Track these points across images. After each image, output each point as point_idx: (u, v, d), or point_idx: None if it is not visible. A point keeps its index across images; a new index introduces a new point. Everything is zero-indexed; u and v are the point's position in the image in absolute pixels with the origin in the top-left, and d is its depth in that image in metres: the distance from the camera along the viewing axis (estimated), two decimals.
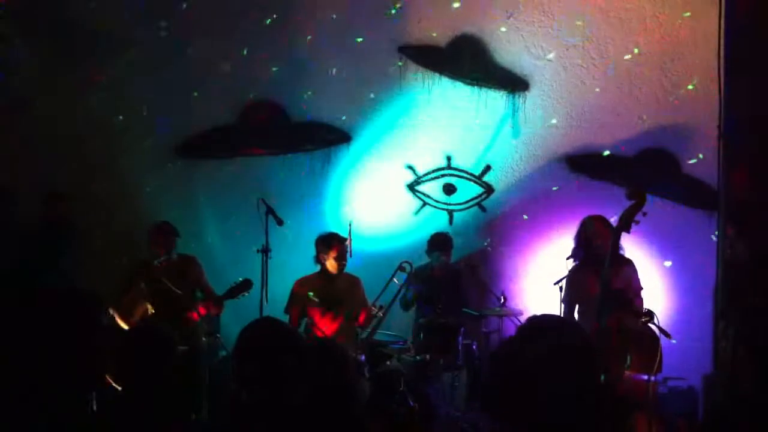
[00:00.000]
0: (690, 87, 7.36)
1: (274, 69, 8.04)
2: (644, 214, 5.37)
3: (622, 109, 7.61)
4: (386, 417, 5.65)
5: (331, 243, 6.77)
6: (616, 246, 5.51)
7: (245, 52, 8.03)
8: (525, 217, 7.84)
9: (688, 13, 7.36)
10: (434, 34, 7.92)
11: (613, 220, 6.13)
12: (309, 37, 7.99)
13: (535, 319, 2.71)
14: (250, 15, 8.03)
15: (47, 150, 8.01)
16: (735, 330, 2.78)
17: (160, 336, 3.36)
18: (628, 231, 5.44)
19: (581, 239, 6.11)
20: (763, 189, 4.70)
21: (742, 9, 4.78)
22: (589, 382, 2.36)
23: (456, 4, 7.82)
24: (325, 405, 2.98)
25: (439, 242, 7.41)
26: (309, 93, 8.06)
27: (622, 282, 5.78)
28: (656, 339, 5.22)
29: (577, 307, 6.10)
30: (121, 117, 8.09)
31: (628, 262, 5.97)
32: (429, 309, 7.10)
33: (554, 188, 7.76)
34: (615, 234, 5.49)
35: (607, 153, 7.64)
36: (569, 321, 2.66)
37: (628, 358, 5.24)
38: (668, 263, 7.30)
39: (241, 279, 6.51)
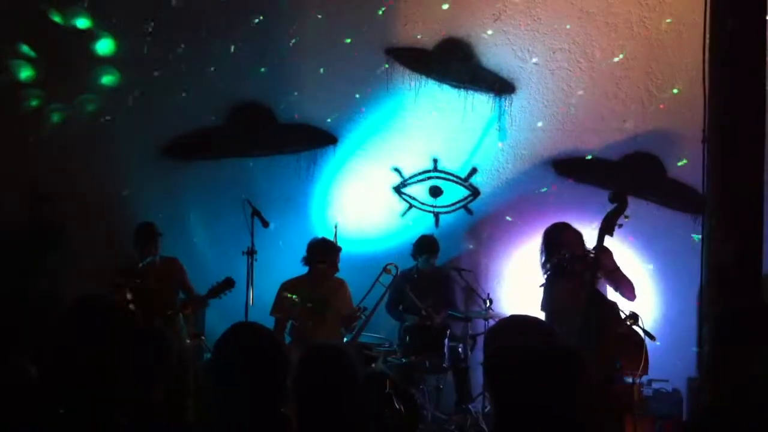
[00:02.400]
0: (675, 91, 7.40)
1: (260, 70, 8.02)
2: (626, 217, 5.36)
3: (607, 113, 7.64)
4: (372, 420, 5.63)
5: (336, 255, 6.84)
6: (600, 249, 5.50)
7: (231, 53, 8.01)
8: (508, 218, 7.86)
9: (670, 20, 7.40)
10: (421, 37, 7.92)
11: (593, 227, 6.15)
12: (295, 39, 7.98)
13: (501, 322, 2.71)
14: (237, 16, 8.01)
15: (32, 151, 7.96)
16: (712, 331, 2.79)
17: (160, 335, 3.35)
18: (611, 234, 5.44)
19: (553, 248, 6.02)
20: (747, 192, 4.73)
21: (727, 14, 4.81)
22: (560, 384, 2.34)
23: (444, 6, 7.83)
24: (317, 411, 2.94)
25: (427, 245, 7.41)
26: (295, 94, 8.06)
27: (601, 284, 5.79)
28: (641, 341, 5.23)
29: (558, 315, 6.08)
30: (107, 117, 8.04)
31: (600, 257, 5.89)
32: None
33: (543, 189, 7.77)
34: (599, 237, 5.48)
35: (589, 156, 7.67)
36: (536, 322, 2.65)
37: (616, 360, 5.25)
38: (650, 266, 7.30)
39: (223, 278, 6.51)
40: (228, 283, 6.48)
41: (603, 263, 5.63)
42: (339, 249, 6.91)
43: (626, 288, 5.78)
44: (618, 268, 5.83)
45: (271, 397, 2.83)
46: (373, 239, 8.03)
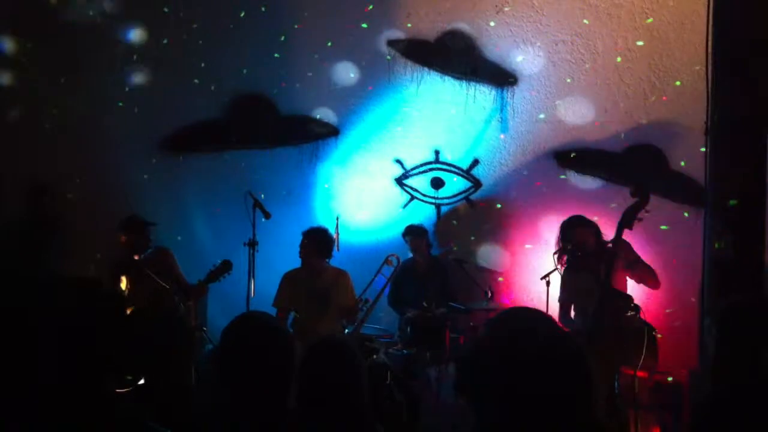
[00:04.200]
0: (677, 83, 7.37)
1: (262, 62, 8.02)
2: (647, 212, 5.46)
3: (610, 105, 7.62)
4: (374, 413, 5.64)
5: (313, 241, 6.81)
6: (617, 243, 5.57)
7: (233, 44, 8.02)
8: (498, 206, 7.85)
9: (672, 11, 7.37)
10: (423, 28, 7.91)
11: (596, 218, 6.17)
12: (297, 30, 7.98)
13: (500, 314, 2.70)
14: (238, 8, 8.00)
15: (32, 145, 7.96)
16: (716, 328, 2.79)
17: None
18: (630, 227, 5.53)
19: (564, 241, 6.15)
20: (749, 186, 4.72)
21: (730, 6, 4.79)
22: (561, 375, 2.33)
23: None
24: (322, 404, 2.93)
25: (409, 227, 7.51)
26: (297, 86, 8.07)
27: (619, 277, 5.85)
28: (642, 334, 5.25)
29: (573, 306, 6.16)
30: (106, 111, 8.05)
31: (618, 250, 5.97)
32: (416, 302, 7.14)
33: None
34: (617, 231, 5.56)
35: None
36: (536, 314, 2.65)
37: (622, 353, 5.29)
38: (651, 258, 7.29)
39: (219, 261, 6.47)
40: (226, 266, 6.43)
41: (622, 256, 5.72)
42: (313, 234, 6.85)
43: (649, 278, 5.90)
44: (638, 260, 5.90)
45: (276, 389, 2.82)
46: (374, 231, 8.05)
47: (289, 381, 2.84)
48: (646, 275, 5.89)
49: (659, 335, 5.44)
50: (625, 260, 5.83)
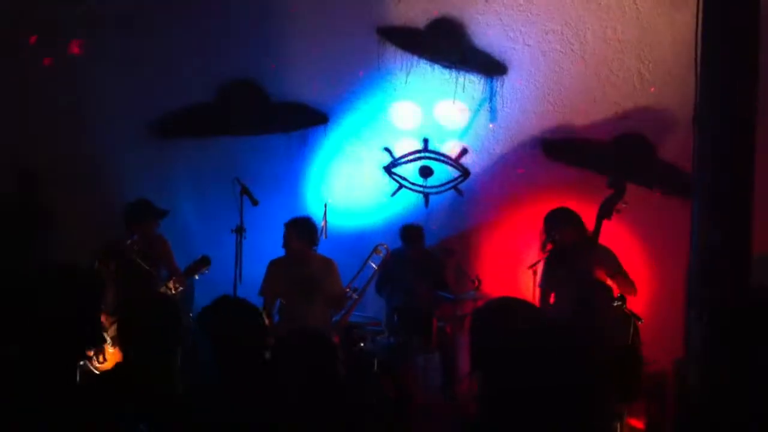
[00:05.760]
0: (666, 74, 7.38)
1: (251, 48, 7.98)
2: (625, 203, 5.48)
3: (599, 95, 7.63)
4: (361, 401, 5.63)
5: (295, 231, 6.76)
6: (597, 233, 5.60)
7: (222, 30, 7.97)
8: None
9: (664, 1, 7.38)
10: (413, 16, 7.88)
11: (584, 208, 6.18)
12: (287, 17, 7.93)
13: (488, 303, 2.70)
14: None
15: (20, 130, 7.90)
16: (710, 326, 2.79)
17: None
18: (609, 218, 5.55)
19: (547, 232, 6.22)
20: (736, 176, 4.73)
21: None
22: (551, 364, 2.33)
23: None
24: (313, 397, 2.92)
25: (407, 236, 7.42)
26: (286, 73, 8.03)
27: (597, 268, 5.89)
28: (627, 323, 5.28)
29: (552, 294, 6.21)
30: (95, 95, 7.98)
31: (603, 248, 6.04)
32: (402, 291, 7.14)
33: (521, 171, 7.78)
34: (596, 221, 5.58)
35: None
36: (523, 304, 2.66)
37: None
38: (638, 247, 7.31)
39: (199, 256, 6.45)
40: (203, 262, 6.40)
41: (604, 266, 5.79)
42: (295, 223, 6.81)
43: (627, 289, 5.94)
44: (619, 273, 5.97)
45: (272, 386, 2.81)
46: (362, 219, 8.03)
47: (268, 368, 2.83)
48: (624, 287, 5.97)
49: (641, 321, 5.48)
50: (607, 270, 5.92)
